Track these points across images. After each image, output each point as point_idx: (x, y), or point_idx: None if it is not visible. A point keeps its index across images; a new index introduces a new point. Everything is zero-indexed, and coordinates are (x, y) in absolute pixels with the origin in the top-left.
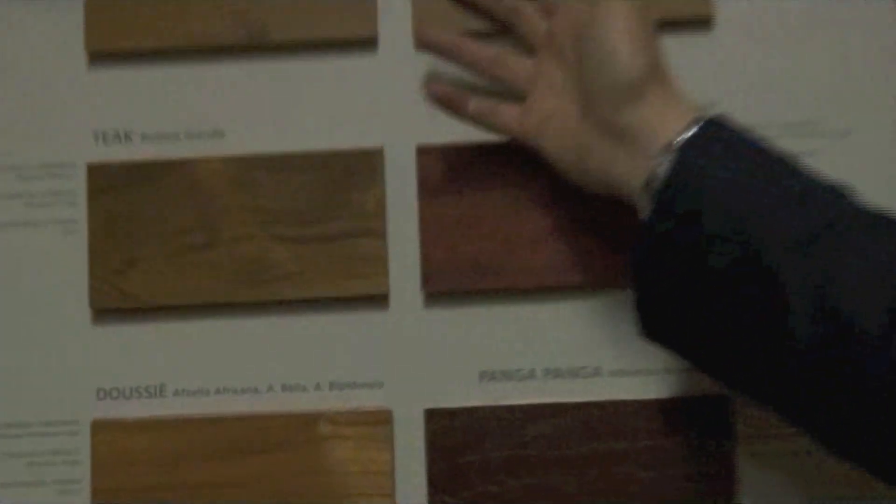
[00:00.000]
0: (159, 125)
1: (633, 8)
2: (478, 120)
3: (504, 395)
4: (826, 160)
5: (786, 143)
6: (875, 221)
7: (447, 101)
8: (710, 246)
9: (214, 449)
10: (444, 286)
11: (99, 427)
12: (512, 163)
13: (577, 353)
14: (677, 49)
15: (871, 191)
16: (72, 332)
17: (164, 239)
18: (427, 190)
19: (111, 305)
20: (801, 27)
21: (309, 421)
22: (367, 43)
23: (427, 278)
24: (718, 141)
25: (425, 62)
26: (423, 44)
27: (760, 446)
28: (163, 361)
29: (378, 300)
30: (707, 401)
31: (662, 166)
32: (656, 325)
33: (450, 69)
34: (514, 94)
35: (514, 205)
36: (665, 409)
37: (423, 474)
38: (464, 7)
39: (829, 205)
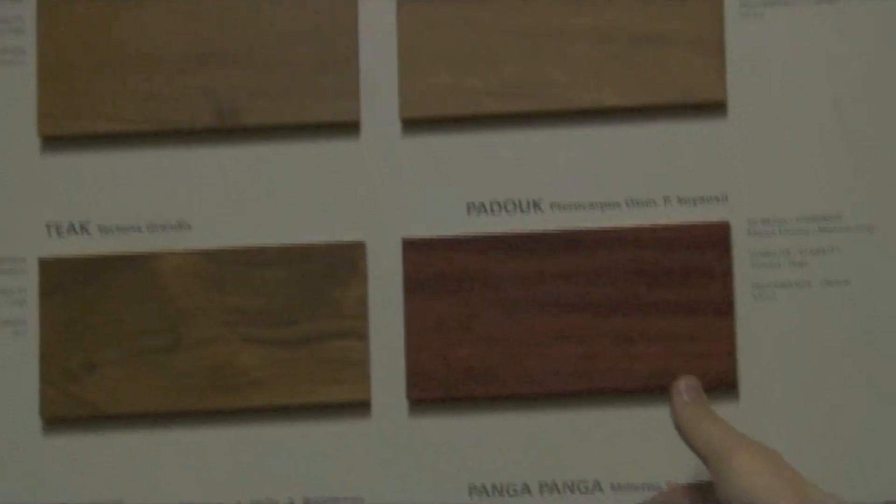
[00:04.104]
0: (119, 216)
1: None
2: None
3: None
4: (848, 256)
5: (806, 237)
6: None
7: None
8: None
9: None
10: (431, 393)
11: None
12: (510, 259)
13: (574, 467)
14: (691, 134)
15: (895, 290)
16: (20, 443)
17: (124, 341)
18: (414, 287)
19: (64, 414)
20: (822, 114)
21: None
22: (349, 127)
23: (413, 384)
24: None
25: (414, 147)
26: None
27: None
28: (120, 475)
29: (358, 408)
30: None
31: None
32: None
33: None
34: None
35: (511, 305)
36: None
37: None
38: None
39: None
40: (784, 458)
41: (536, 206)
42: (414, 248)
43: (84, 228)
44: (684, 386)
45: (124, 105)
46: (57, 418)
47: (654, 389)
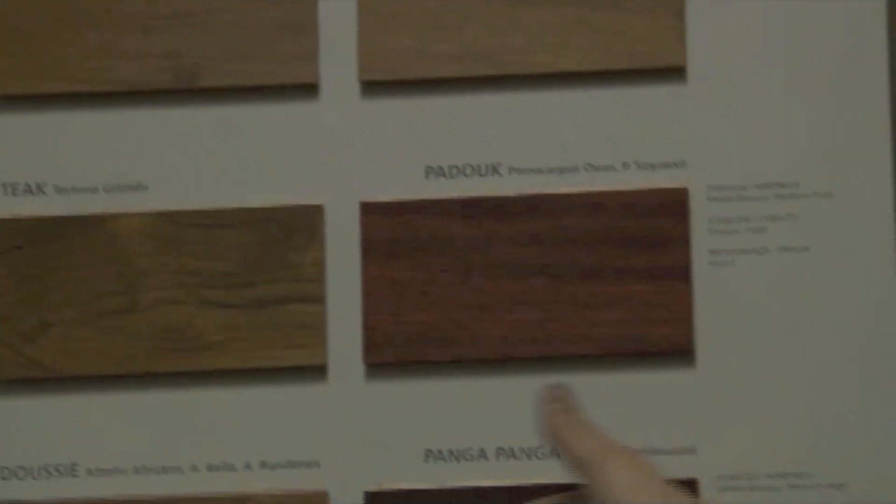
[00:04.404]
0: (75, 177)
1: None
2: None
3: (452, 477)
4: (806, 223)
5: (764, 204)
6: None
7: None
8: None
9: None
10: (387, 357)
11: None
12: (468, 223)
13: (531, 432)
14: (650, 100)
15: (853, 256)
16: None
17: (80, 303)
18: (371, 251)
19: (18, 375)
20: (780, 81)
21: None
22: (308, 89)
23: (369, 348)
24: None
25: (373, 110)
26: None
27: None
28: (74, 437)
29: (315, 372)
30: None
31: None
32: None
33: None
34: None
35: (469, 269)
36: None
37: None
38: None
39: None
40: (655, 465)
41: (495, 170)
42: (372, 212)
43: (40, 189)
44: (556, 394)
45: (81, 65)
46: (11, 380)
47: (611, 355)
